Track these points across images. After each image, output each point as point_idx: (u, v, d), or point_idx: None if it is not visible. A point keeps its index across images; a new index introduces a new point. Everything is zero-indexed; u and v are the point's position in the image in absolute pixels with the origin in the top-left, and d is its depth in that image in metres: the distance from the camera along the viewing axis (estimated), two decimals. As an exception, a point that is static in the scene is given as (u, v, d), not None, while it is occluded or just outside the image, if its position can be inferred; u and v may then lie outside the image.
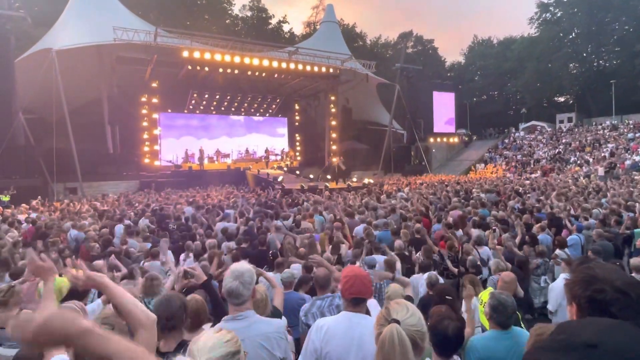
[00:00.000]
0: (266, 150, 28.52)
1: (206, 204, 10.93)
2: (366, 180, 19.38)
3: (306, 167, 27.75)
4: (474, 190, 13.28)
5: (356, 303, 2.08)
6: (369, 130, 32.52)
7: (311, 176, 21.57)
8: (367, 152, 31.21)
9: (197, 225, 7.99)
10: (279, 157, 30.32)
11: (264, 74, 23.43)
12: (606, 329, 0.84)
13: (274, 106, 30.93)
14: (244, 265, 2.08)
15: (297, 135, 31.62)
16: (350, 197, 12.26)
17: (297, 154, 31.31)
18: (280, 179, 19.09)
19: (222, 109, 28.69)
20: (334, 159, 18.03)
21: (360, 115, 32.43)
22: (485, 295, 3.25)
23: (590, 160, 25.44)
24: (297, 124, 31.49)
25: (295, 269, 4.67)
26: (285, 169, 24.96)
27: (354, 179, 22.12)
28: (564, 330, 0.89)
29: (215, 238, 6.98)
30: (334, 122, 28.07)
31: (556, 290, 3.89)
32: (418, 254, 6.02)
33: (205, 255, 5.30)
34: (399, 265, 4.78)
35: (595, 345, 0.80)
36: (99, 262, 4.31)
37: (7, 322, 2.13)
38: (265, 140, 29.98)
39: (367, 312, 2.16)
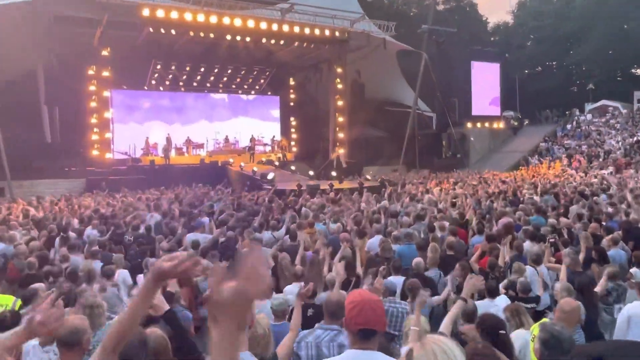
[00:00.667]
0: (252, 139, 28.64)
1: (173, 210, 11.06)
2: (383, 176, 19.36)
3: (304, 160, 27.89)
4: (525, 191, 13.35)
5: (365, 337, 2.05)
6: (387, 112, 32.63)
7: (311, 173, 21.62)
8: (384, 142, 31.35)
9: (162, 237, 8.05)
10: (268, 148, 30.59)
11: (248, 39, 23.52)
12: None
13: (261, 81, 30.98)
14: None
15: (292, 119, 31.76)
16: (363, 200, 12.38)
17: (293, 143, 31.63)
18: (270, 176, 19.18)
19: (194, 84, 28.78)
20: (336, 153, 18.20)
21: (375, 93, 32.53)
22: (536, 328, 3.20)
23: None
24: (292, 104, 31.64)
25: (290, 293, 4.73)
26: (276, 163, 25.05)
27: (368, 177, 22.17)
28: None
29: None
30: (340, 102, 28.20)
31: (622, 321, 3.85)
32: (448, 276, 6.08)
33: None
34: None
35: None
36: (38, 286, 4.32)
37: None
38: (256, 126, 30.24)
39: (385, 350, 2.17)
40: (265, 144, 30.35)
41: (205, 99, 29.80)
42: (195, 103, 29.31)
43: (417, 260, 5.94)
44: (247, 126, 29.96)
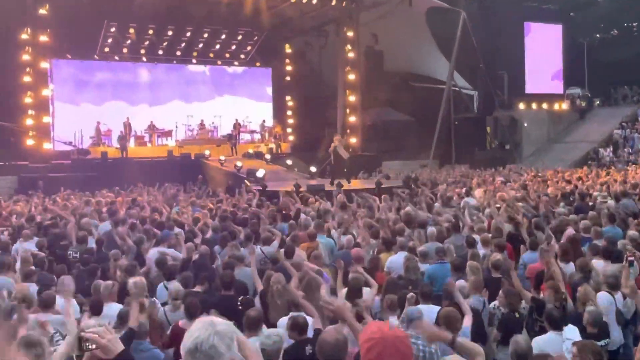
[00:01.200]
0: (235, 125, 28.86)
1: (132, 217, 11.10)
2: (409, 174, 19.37)
3: (304, 153, 27.91)
4: (595, 193, 13.33)
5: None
6: (413, 90, 32.71)
7: (313, 169, 21.63)
8: (410, 129, 31.43)
9: (117, 252, 8.10)
10: (257, 137, 30.84)
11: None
12: None
13: (248, 48, 31.08)
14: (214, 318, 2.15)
15: (287, 98, 31.93)
16: (381, 204, 12.41)
17: (289, 130, 31.78)
18: (260, 173, 19.23)
19: (160, 52, 28.91)
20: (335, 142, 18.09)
21: (397, 64, 32.57)
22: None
23: None
24: (287, 78, 31.70)
25: (285, 327, 4.77)
26: (267, 156, 25.11)
27: (388, 174, 22.18)
28: None
29: (145, 275, 7.07)
30: (352, 76, 28.28)
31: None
32: (493, 304, 6.08)
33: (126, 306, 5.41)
34: (467, 321, 4.80)
35: None
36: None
37: None
38: (243, 107, 30.55)
39: None
40: (252, 131, 30.50)
41: (179, 72, 30.08)
42: (167, 77, 29.60)
43: (460, 283, 5.93)
44: (232, 107, 30.19)
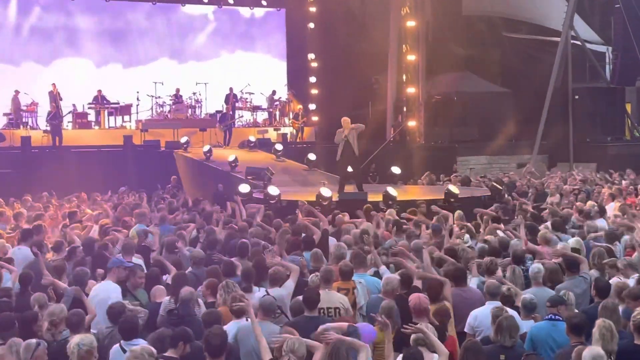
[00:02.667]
0: (229, 98, 29.10)
1: (69, 240, 11.08)
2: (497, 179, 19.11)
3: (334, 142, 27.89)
4: None
5: None
6: (508, 43, 32.42)
7: (348, 169, 21.57)
8: (501, 104, 31.03)
9: (43, 296, 8.18)
10: (263, 116, 31.11)
11: None
12: None
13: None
14: None
15: (310, 56, 32.31)
16: (455, 225, 12.44)
17: (312, 107, 32.17)
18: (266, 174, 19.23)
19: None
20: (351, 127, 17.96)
21: (483, 5, 32.27)
22: None
23: None
24: (311, 25, 32.02)
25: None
26: (278, 146, 25.10)
27: (460, 174, 21.94)
28: None
29: (89, 330, 7.08)
30: (411, 23, 28.40)
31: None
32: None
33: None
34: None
35: None
36: None
37: None
38: (245, 69, 31.08)
39: None
40: (255, 108, 30.72)
41: (168, 15, 31.03)
42: (150, 23, 30.62)
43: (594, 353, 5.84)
44: (224, 69, 30.88)
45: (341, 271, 8.80)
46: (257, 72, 31.23)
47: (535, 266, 8.79)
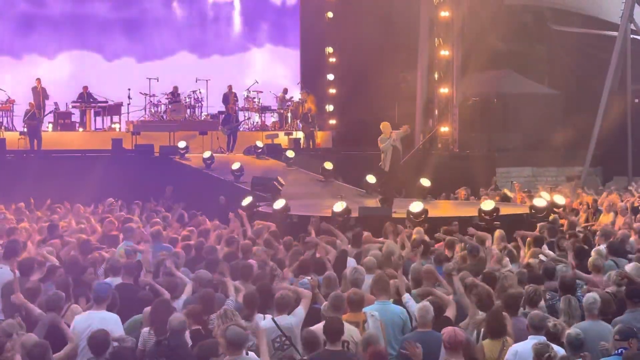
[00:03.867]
0: (229, 97, 29.19)
1: (46, 257, 11.14)
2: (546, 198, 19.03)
3: (355, 149, 27.86)
4: None
5: None
6: (557, 38, 32.36)
7: (371, 180, 21.53)
8: (549, 108, 30.91)
9: (13, 324, 8.10)
10: (272, 119, 31.23)
11: None
12: None
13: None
14: None
15: (328, 50, 32.43)
16: (494, 247, 12.39)
17: (330, 108, 32.27)
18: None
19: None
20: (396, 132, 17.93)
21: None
22: None
23: None
24: (329, 14, 32.03)
25: None
26: (290, 154, 25.09)
27: (506, 192, 21.85)
28: None
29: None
30: (445, 13, 28.44)
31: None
32: None
33: None
34: None
35: None
36: None
37: None
38: (253, 65, 31.68)
39: None
40: (263, 109, 30.80)
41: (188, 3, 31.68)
42: (167, 12, 31.46)
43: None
44: (225, 65, 31.09)
45: (350, 301, 8.69)
46: (267, 67, 31.24)
47: (591, 296, 8.58)
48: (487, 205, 16.88)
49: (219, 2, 32.43)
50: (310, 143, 29.08)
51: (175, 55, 31.83)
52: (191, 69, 30.28)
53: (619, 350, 7.29)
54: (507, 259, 11.95)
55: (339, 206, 15.96)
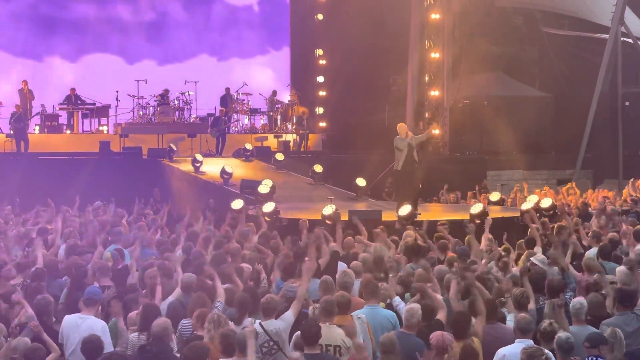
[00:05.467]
0: (226, 99, 29.21)
1: (31, 261, 11.07)
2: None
3: (345, 151, 27.85)
4: None
5: None
6: (548, 40, 32.37)
7: (360, 182, 21.51)
8: (540, 110, 30.96)
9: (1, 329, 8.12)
10: (261, 122, 31.23)
11: None
12: None
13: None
14: None
15: (318, 52, 32.50)
16: (483, 249, 12.36)
17: (320, 111, 32.34)
18: (264, 188, 19.20)
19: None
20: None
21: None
22: None
23: None
24: (319, 16, 32.07)
25: None
26: (280, 157, 25.08)
27: (497, 194, 21.91)
28: None
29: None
30: (436, 15, 28.59)
31: None
32: None
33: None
34: None
35: None
36: None
37: None
38: (240, 67, 31.93)
39: None
40: (253, 111, 30.83)
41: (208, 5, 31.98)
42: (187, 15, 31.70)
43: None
44: (215, 67, 31.21)
45: (339, 304, 8.67)
46: (253, 69, 31.30)
47: (577, 301, 8.62)
48: (477, 208, 16.95)
49: (238, 5, 32.74)
50: (303, 145, 29.08)
51: (196, 58, 32.13)
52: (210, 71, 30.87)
53: (590, 359, 7.34)
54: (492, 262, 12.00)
55: (329, 209, 15.98)
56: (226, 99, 29.13)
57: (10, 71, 29.03)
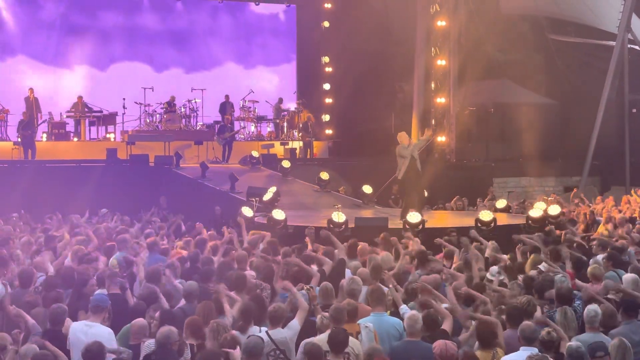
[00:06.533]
0: (226, 106, 29.32)
1: (39, 267, 11.10)
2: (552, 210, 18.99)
3: (352, 159, 27.85)
4: None
5: None
6: (554, 47, 32.34)
7: (367, 189, 21.49)
8: (546, 117, 30.77)
9: (4, 339, 8.02)
10: (268, 129, 31.32)
11: None
12: None
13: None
14: None
15: (324, 60, 32.57)
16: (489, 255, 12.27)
17: (326, 118, 32.36)
18: (268, 195, 19.22)
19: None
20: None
21: (525, 2, 32.25)
22: None
23: None
24: (325, 24, 32.22)
25: None
26: (286, 164, 25.06)
27: (503, 202, 21.90)
28: None
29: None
30: (442, 23, 28.62)
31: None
32: None
33: None
34: None
35: None
36: None
37: None
38: (245, 75, 32.27)
39: None
40: (259, 119, 30.85)
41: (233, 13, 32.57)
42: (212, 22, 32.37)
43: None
44: (221, 76, 31.55)
45: (348, 312, 8.67)
46: (259, 77, 31.38)
47: (592, 309, 8.54)
48: (485, 215, 16.96)
49: (264, 13, 33.07)
50: (308, 152, 29.09)
51: (223, 66, 32.52)
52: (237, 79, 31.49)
53: None
54: (496, 268, 11.99)
55: (340, 216, 16.01)
56: (225, 107, 29.16)
57: (39, 79, 29.15)
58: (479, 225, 16.30)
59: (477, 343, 8.15)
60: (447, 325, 8.63)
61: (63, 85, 30.02)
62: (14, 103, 27.19)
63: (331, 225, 15.64)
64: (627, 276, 10.64)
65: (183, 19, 32.48)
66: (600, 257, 12.75)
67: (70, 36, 30.52)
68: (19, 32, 29.81)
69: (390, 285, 9.96)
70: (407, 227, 16.01)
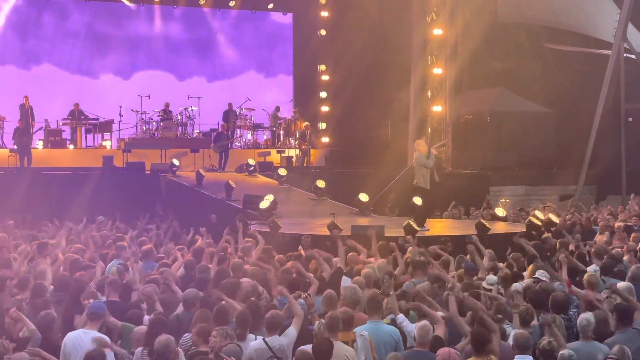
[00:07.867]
0: (229, 114, 29.36)
1: (39, 275, 11.10)
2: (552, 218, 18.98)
3: (348, 167, 27.84)
4: None
5: None
6: (551, 56, 32.32)
7: (363, 198, 21.51)
8: (543, 126, 30.88)
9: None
10: (263, 136, 31.31)
11: None
12: None
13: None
14: None
15: (321, 68, 32.60)
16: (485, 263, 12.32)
17: (322, 127, 32.34)
18: (265, 203, 19.20)
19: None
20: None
21: (522, 12, 32.27)
22: None
23: None
24: (322, 32, 32.25)
25: None
26: (283, 172, 25.03)
27: (500, 210, 21.92)
28: None
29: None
30: (438, 31, 28.61)
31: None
32: None
33: None
34: None
35: None
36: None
37: None
38: (242, 83, 32.35)
39: None
40: (256, 127, 30.93)
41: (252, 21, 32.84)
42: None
43: None
44: (215, 83, 31.52)
45: (343, 320, 8.61)
46: (256, 85, 31.40)
47: (585, 317, 8.58)
48: (484, 224, 16.92)
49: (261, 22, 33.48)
50: (305, 160, 29.10)
51: (244, 75, 32.96)
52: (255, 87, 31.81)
53: None
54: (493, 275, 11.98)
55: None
56: (228, 114, 29.22)
57: (65, 88, 29.45)
58: (484, 231, 16.28)
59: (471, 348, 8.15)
60: (440, 331, 8.63)
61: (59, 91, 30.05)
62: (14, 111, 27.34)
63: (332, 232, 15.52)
64: (622, 284, 10.62)
65: (180, 27, 32.49)
66: (594, 266, 12.80)
67: (95, 45, 31.49)
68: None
69: (392, 293, 9.95)
70: (408, 234, 15.94)
